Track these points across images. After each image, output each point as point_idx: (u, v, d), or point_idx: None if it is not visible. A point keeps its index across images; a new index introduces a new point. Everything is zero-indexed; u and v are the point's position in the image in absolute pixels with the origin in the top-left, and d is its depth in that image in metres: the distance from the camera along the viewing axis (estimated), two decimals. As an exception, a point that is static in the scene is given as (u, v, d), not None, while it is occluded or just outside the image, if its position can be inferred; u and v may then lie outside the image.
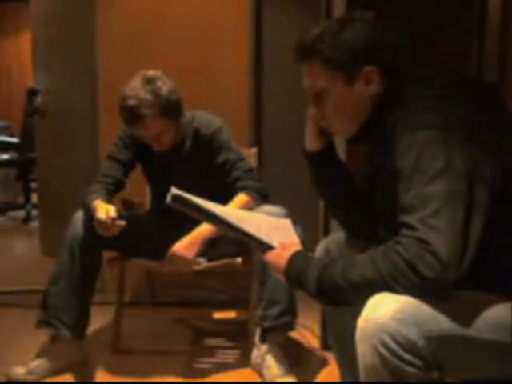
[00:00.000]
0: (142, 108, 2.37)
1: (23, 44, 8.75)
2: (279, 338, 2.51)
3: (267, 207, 2.44)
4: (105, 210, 2.32)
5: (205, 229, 2.44)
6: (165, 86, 2.43)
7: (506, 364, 1.31)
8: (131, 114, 2.39)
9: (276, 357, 2.43)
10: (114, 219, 2.30)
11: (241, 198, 2.50)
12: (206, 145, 2.60)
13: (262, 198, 2.53)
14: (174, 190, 1.60)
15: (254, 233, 1.60)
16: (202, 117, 2.65)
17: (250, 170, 2.61)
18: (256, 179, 2.58)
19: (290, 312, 2.48)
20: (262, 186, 2.56)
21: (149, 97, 2.38)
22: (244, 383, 2.43)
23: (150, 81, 2.42)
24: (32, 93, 4.73)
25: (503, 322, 1.30)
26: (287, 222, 1.86)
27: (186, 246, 2.45)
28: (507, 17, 2.89)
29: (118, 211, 2.35)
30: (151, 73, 2.45)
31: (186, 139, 2.63)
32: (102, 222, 2.30)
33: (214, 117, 2.65)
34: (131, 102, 2.37)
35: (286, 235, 1.74)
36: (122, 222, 2.31)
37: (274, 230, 1.73)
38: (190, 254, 2.44)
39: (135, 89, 2.39)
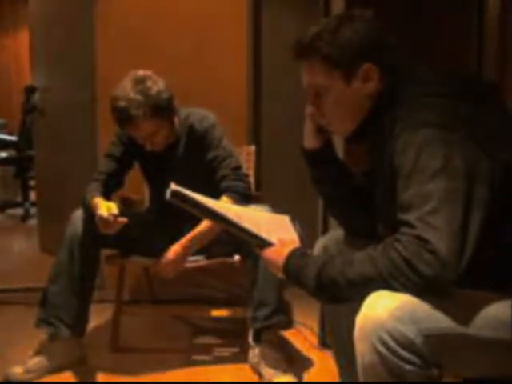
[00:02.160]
0: (132, 109, 2.36)
1: (21, 42, 8.73)
2: (272, 337, 2.51)
3: (253, 207, 2.42)
4: (106, 207, 2.32)
5: (198, 232, 2.46)
6: (155, 85, 2.42)
7: (505, 362, 1.31)
8: (122, 115, 2.38)
9: (272, 356, 2.43)
10: (115, 216, 2.30)
11: (223, 201, 2.46)
12: (199, 141, 2.60)
13: (245, 199, 2.50)
14: (174, 187, 1.60)
15: (252, 229, 1.60)
16: (197, 113, 2.65)
17: (237, 168, 2.58)
18: (242, 179, 2.55)
19: (280, 312, 2.48)
20: (245, 187, 2.54)
21: (138, 97, 2.37)
22: (244, 383, 2.43)
23: (139, 81, 2.40)
24: (30, 90, 4.73)
25: (502, 320, 1.30)
26: (286, 219, 1.86)
27: (176, 252, 2.46)
28: (506, 16, 2.89)
29: (119, 208, 2.35)
30: (141, 73, 2.44)
31: (182, 136, 2.63)
32: (103, 220, 2.30)
33: (208, 113, 2.65)
34: (121, 103, 2.36)
35: (284, 232, 1.74)
36: (124, 219, 2.32)
37: (272, 226, 1.73)
38: (180, 261, 2.47)
39: (125, 89, 2.38)
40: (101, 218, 2.31)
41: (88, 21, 3.38)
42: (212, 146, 2.58)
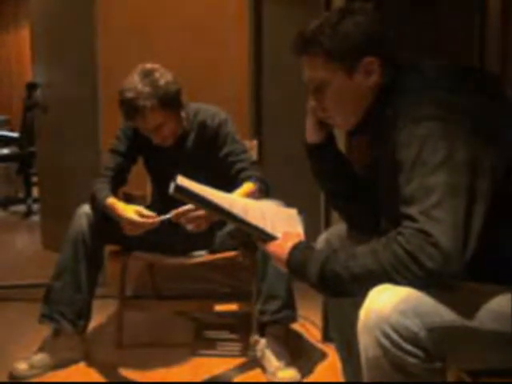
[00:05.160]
0: (140, 100, 2.36)
1: (23, 37, 8.73)
2: (279, 331, 2.51)
3: (264, 201, 2.42)
4: (133, 211, 2.37)
5: None
6: (163, 77, 2.43)
7: (508, 354, 1.32)
8: (130, 107, 2.39)
9: (276, 350, 2.44)
10: (153, 217, 2.38)
11: (248, 186, 2.49)
12: (211, 137, 2.61)
13: (266, 188, 2.54)
14: (180, 180, 1.60)
15: (257, 223, 1.60)
16: (207, 110, 2.66)
17: (254, 162, 2.64)
18: (260, 171, 2.59)
19: (289, 306, 2.48)
20: (265, 179, 2.57)
21: (147, 89, 2.38)
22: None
23: (147, 73, 2.42)
24: (31, 87, 4.72)
25: (505, 313, 1.30)
26: (293, 212, 1.86)
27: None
28: (508, 11, 2.88)
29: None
30: (149, 66, 2.46)
31: (191, 132, 2.63)
32: (134, 223, 2.35)
33: (218, 109, 2.67)
34: (130, 94, 2.37)
35: (290, 225, 1.73)
36: (156, 220, 2.38)
37: (279, 219, 1.72)
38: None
39: (133, 82, 2.39)
40: (133, 222, 2.36)
41: (89, 17, 3.38)
42: (227, 140, 2.60)
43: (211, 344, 2.77)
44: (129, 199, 2.71)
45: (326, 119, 1.67)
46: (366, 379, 1.34)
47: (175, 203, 2.14)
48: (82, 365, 2.53)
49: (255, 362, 2.51)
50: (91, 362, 2.56)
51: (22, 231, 5.65)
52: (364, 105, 1.56)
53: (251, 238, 1.67)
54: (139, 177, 2.85)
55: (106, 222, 2.48)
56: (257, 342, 2.51)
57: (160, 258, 2.65)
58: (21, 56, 9.04)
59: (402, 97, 1.46)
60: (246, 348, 2.64)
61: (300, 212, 1.88)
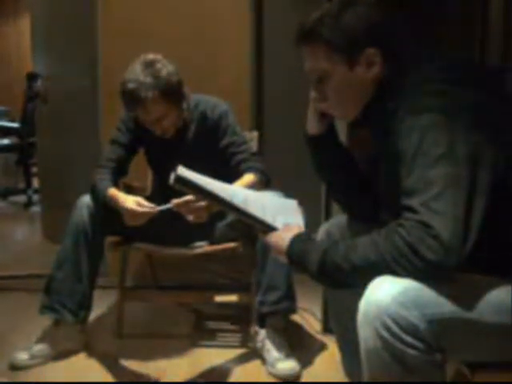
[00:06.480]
0: (142, 91, 2.35)
1: (23, 28, 8.71)
2: (278, 322, 2.52)
3: (264, 192, 2.42)
4: (133, 201, 2.36)
5: None
6: (164, 68, 2.42)
7: (508, 346, 1.32)
8: (131, 98, 2.38)
9: (276, 341, 2.44)
10: (152, 207, 2.35)
11: (248, 177, 2.48)
12: (211, 128, 2.61)
13: (267, 179, 2.53)
14: (180, 170, 1.59)
15: (257, 214, 1.60)
16: (208, 101, 2.65)
17: (255, 154, 2.64)
18: (261, 162, 2.59)
19: (289, 297, 2.49)
20: (266, 170, 2.57)
21: (149, 79, 2.37)
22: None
23: (149, 64, 2.41)
24: (32, 77, 4.72)
25: (505, 305, 1.30)
26: (294, 203, 1.86)
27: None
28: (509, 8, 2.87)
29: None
30: (151, 56, 2.44)
31: (192, 123, 2.63)
32: (135, 213, 2.33)
33: (219, 100, 2.66)
34: (131, 85, 2.36)
35: (291, 216, 1.73)
36: (154, 210, 2.36)
37: (279, 211, 1.73)
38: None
39: (135, 72, 2.38)
40: (133, 211, 2.33)
41: (90, 8, 3.37)
42: (227, 132, 2.60)
43: (211, 335, 2.78)
44: (129, 190, 2.71)
45: (324, 110, 1.67)
46: (365, 371, 1.35)
47: (176, 194, 2.14)
48: (82, 355, 2.54)
49: (255, 353, 2.51)
50: (91, 352, 2.57)
51: (23, 222, 5.65)
52: (365, 97, 1.56)
53: (251, 229, 1.67)
54: (140, 168, 2.85)
55: (106, 212, 2.48)
56: (256, 333, 2.51)
57: (160, 248, 2.65)
58: (20, 47, 9.02)
59: (402, 89, 1.46)
60: (246, 339, 2.64)
61: (300, 203, 1.88)
